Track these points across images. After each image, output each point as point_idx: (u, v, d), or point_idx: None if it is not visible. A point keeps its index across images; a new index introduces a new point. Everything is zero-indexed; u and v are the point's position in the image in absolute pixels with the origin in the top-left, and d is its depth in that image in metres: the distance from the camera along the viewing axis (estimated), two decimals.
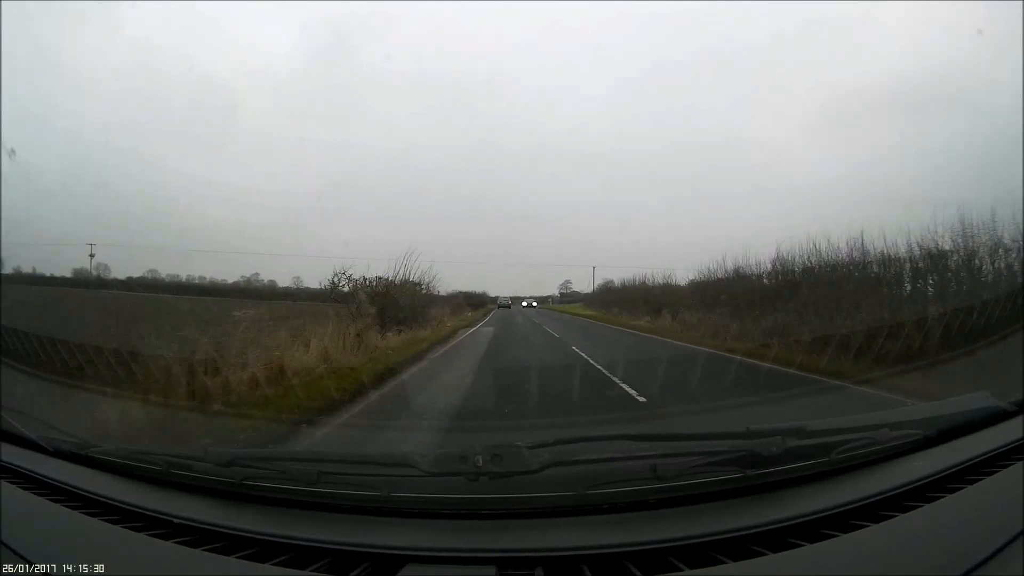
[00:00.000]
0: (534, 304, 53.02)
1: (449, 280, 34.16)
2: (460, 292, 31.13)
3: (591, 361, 9.58)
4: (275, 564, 1.08)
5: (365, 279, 14.43)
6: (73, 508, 1.35)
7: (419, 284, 16.29)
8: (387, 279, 14.65)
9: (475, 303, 40.03)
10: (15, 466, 1.54)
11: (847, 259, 11.36)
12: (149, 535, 1.20)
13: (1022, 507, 1.03)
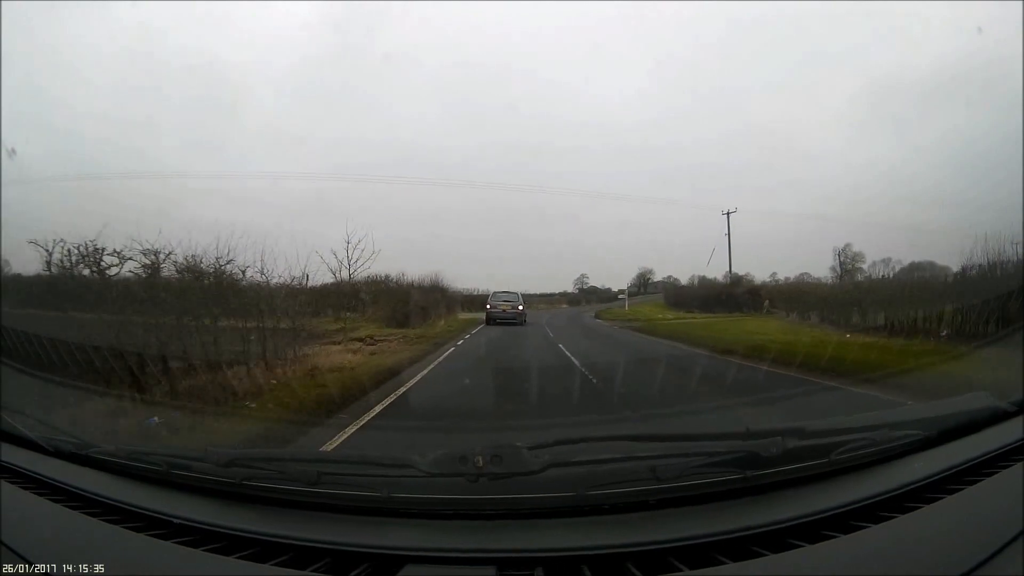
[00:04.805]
0: (563, 305, 29.72)
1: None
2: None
3: None
4: (275, 564, 1.08)
5: None
6: (73, 508, 1.35)
7: None
8: None
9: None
10: (15, 466, 1.54)
11: None
12: (149, 535, 1.20)
13: (1022, 508, 1.03)
